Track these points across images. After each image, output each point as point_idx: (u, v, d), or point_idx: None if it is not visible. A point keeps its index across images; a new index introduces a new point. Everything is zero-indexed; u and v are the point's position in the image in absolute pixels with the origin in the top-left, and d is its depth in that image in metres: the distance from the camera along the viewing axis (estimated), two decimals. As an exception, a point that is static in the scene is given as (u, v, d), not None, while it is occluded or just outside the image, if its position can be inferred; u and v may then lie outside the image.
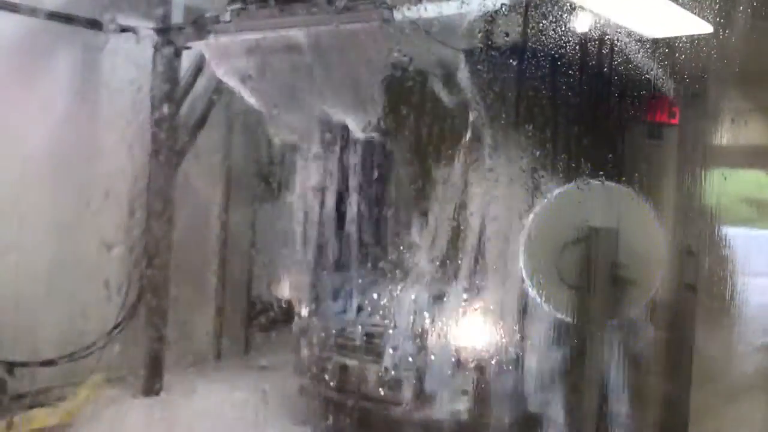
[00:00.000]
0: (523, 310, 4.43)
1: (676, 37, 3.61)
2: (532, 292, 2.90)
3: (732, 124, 3.90)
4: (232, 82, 5.18)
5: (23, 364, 5.07)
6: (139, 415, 5.52)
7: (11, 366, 5.02)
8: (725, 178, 4.61)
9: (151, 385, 5.93)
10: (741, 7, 3.21)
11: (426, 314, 4.67)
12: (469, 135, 4.52)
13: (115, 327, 5.80)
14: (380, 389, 4.72)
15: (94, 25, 5.42)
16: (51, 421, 5.03)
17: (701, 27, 3.36)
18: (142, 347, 5.93)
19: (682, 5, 3.42)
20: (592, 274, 2.75)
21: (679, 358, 3.22)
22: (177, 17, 5.69)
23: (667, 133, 4.27)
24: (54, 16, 5.17)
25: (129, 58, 5.67)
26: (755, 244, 4.51)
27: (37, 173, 5.26)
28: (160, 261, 5.91)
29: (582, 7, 3.81)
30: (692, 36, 3.37)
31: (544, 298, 2.88)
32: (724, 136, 3.95)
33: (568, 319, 4.19)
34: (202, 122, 6.11)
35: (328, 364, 5.04)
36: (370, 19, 4.40)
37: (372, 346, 4.86)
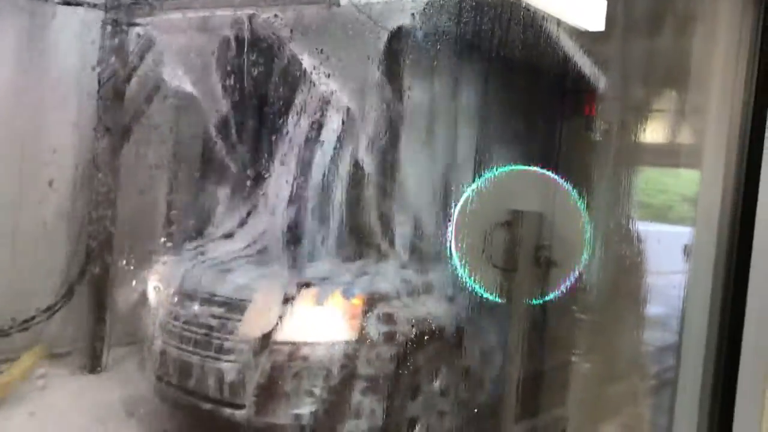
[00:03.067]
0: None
1: (606, 31, 3.72)
2: (461, 272, 3.00)
3: (665, 123, 4.03)
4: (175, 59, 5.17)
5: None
6: (76, 391, 5.50)
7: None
8: (657, 175, 4.76)
9: (92, 363, 5.92)
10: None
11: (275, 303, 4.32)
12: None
13: (56, 303, 5.77)
14: (219, 391, 4.29)
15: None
16: (-16, 394, 5.00)
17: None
18: (84, 324, 5.92)
19: None
20: (517, 255, 2.88)
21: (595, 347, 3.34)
22: (126, -7, 5.66)
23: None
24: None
25: (76, 32, 5.63)
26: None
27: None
28: (103, 237, 5.90)
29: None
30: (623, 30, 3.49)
31: (472, 278, 2.99)
32: (657, 133, 4.07)
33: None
34: (149, 100, 6.09)
35: (168, 360, 4.58)
36: (317, 2, 4.45)
37: (211, 340, 4.38)
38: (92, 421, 4.94)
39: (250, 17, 4.80)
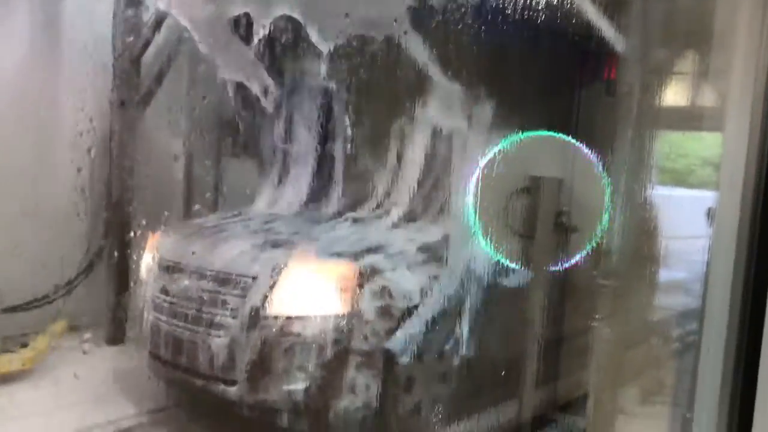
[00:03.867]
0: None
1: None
2: (480, 240, 2.99)
3: (686, 86, 3.96)
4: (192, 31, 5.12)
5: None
6: (100, 363, 5.58)
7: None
8: (679, 139, 4.69)
9: (114, 334, 5.99)
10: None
11: (265, 276, 4.13)
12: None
13: (78, 275, 5.84)
14: (210, 367, 4.12)
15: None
16: (13, 366, 5.08)
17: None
18: (105, 296, 5.98)
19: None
20: (537, 222, 2.87)
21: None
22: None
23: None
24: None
25: (90, 6, 5.62)
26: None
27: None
28: (123, 211, 5.94)
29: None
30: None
31: (492, 245, 2.98)
32: (678, 96, 4.00)
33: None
34: (163, 73, 6.09)
35: (159, 335, 4.44)
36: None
37: (201, 314, 4.23)
38: (99, 395, 4.98)
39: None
